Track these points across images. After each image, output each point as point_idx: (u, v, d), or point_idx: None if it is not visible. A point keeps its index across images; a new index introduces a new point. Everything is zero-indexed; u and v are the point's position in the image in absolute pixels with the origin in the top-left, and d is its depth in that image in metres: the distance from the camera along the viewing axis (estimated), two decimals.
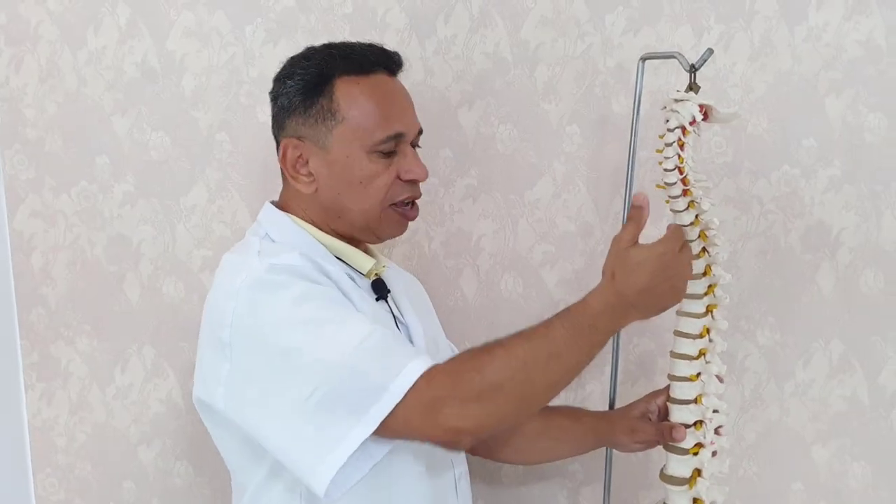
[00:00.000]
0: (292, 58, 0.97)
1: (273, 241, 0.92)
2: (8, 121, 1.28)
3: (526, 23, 1.17)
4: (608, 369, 1.22)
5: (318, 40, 1.19)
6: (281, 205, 0.98)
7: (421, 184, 0.98)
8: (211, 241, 1.29)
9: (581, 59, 1.17)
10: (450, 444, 0.86)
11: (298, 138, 0.94)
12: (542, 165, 1.21)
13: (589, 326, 0.83)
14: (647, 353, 1.23)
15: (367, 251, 0.99)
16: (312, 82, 0.92)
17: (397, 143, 0.94)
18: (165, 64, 1.24)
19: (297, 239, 0.93)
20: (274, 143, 1.24)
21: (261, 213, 0.98)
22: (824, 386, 1.20)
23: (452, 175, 1.22)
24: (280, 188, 1.25)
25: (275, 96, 0.96)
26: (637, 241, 0.85)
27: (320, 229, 0.94)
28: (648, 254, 0.84)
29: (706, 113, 0.89)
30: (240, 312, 0.84)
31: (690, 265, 0.88)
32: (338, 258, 0.94)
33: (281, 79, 0.95)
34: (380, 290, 0.96)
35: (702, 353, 0.91)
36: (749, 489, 1.24)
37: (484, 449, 1.11)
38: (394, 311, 0.96)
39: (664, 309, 0.87)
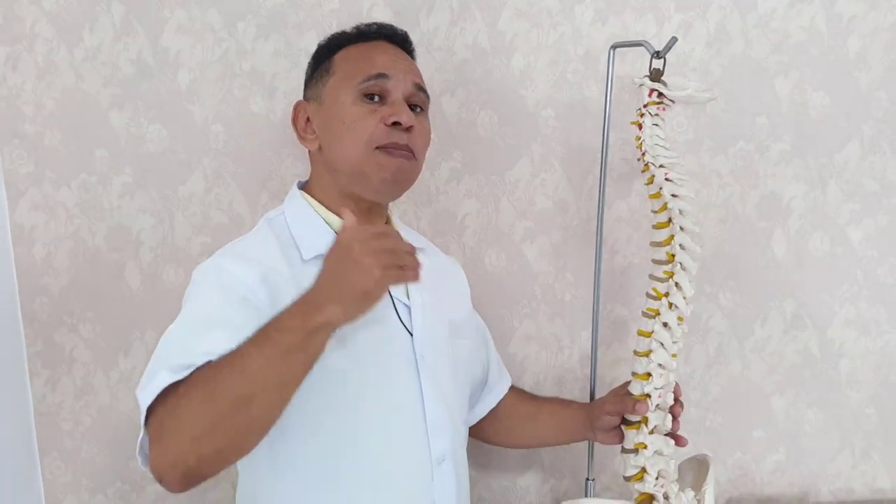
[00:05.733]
0: None
1: (286, 219, 0.99)
2: (6, 117, 1.31)
3: (502, 15, 1.24)
4: (584, 333, 1.31)
5: (308, 35, 1.27)
6: (305, 186, 1.03)
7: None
8: (209, 228, 1.34)
9: (553, 48, 1.25)
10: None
11: (306, 100, 1.02)
12: (520, 147, 1.28)
13: (276, 330, 0.76)
14: (620, 318, 1.33)
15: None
16: (322, 55, 1.01)
17: (384, 92, 0.95)
18: (160, 60, 1.28)
19: (306, 217, 0.98)
20: (266, 135, 1.31)
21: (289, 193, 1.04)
22: (780, 341, 1.31)
23: (438, 159, 1.29)
24: (278, 180, 1.33)
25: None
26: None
27: (330, 209, 0.98)
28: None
29: (660, 94, 0.99)
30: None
31: (393, 242, 0.78)
32: None
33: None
34: None
35: (656, 313, 1.00)
36: (715, 438, 1.35)
37: (473, 430, 1.16)
38: (392, 292, 0.95)
39: (363, 290, 0.76)
